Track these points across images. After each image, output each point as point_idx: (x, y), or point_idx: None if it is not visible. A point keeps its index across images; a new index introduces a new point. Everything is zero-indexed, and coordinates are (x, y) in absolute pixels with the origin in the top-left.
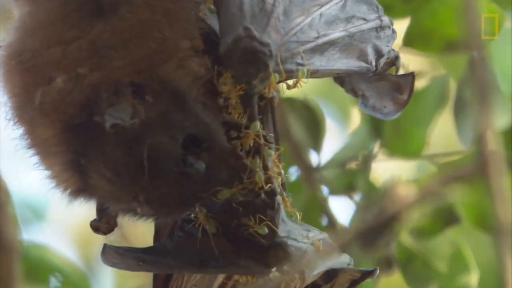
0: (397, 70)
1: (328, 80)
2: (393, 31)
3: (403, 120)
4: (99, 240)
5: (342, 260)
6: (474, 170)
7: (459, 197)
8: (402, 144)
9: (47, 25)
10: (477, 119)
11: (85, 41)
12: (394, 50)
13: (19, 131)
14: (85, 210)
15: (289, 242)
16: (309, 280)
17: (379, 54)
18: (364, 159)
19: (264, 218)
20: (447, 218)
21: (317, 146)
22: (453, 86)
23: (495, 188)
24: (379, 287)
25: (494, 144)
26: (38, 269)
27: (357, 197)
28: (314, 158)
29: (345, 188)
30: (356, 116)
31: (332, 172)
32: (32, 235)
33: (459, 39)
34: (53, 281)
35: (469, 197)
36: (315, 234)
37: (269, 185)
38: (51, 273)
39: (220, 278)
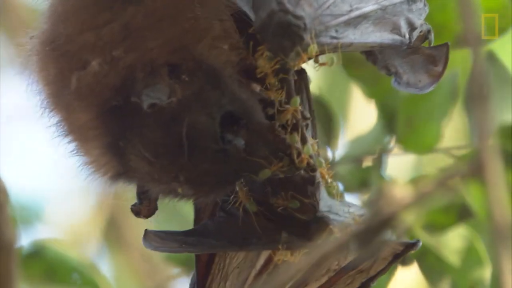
0: (429, 44)
1: (329, 77)
2: (425, 4)
3: (417, 115)
4: (95, 239)
5: (385, 234)
6: (477, 165)
7: (471, 191)
8: (416, 139)
9: (79, 10)
10: (477, 114)
11: (118, 24)
12: (426, 24)
13: (55, 118)
14: (80, 210)
15: (332, 216)
16: (352, 255)
17: (412, 27)
18: (379, 155)
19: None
20: (460, 212)
21: (331, 143)
22: (464, 80)
23: (493, 184)
24: (394, 281)
25: (492, 140)
26: (57, 267)
27: (370, 193)
28: (328, 154)
29: (360, 184)
30: (354, 114)
31: (347, 168)
32: (28, 236)
33: (463, 35)
34: (75, 278)
35: (481, 191)
36: (356, 209)
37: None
38: (72, 271)
39: (263, 258)
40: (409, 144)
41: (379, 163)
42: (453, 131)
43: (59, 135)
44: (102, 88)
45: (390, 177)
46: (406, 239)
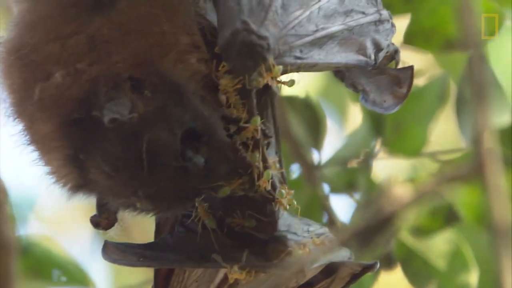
0: (396, 64)
1: (325, 79)
2: (392, 25)
3: (404, 118)
4: (86, 235)
5: (343, 254)
6: (473, 168)
7: (459, 195)
8: (403, 142)
9: (45, 20)
10: (474, 117)
11: (83, 35)
12: (393, 44)
13: (19, 127)
14: (71, 207)
15: (289, 236)
16: (309, 274)
17: (378, 47)
18: (365, 157)
19: (255, 215)
20: (447, 216)
21: (318, 144)
22: (453, 84)
23: (492, 187)
24: (379, 284)
25: (491, 142)
26: (42, 262)
27: (357, 195)
28: (315, 156)
29: (346, 186)
30: (353, 115)
31: (333, 170)
32: (20, 231)
33: (459, 38)
34: (56, 275)
35: (469, 195)
36: (316, 229)
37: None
38: (55, 267)
39: (222, 273)
40: (396, 147)
41: (365, 165)
42: (440, 135)
43: (22, 143)
44: (64, 100)
45: (385, 178)
46: (392, 248)
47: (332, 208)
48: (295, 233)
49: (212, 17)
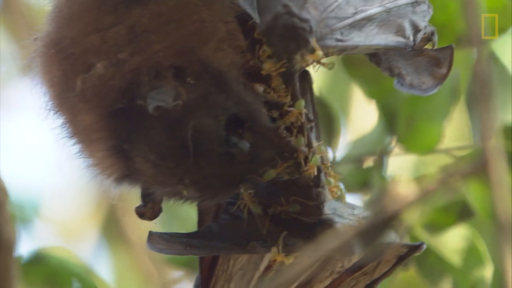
0: (433, 45)
1: (330, 78)
2: (429, 6)
3: (417, 115)
4: (91, 237)
5: (389, 236)
6: (478, 165)
7: (472, 191)
8: (417, 139)
9: (83, 12)
10: (480, 114)
11: (123, 26)
12: (430, 26)
13: (60, 120)
14: (78, 207)
15: (336, 218)
16: (356, 257)
17: (416, 29)
18: (380, 155)
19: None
20: (461, 212)
21: (332, 143)
22: (466, 80)
23: (496, 183)
24: (394, 281)
25: (496, 139)
26: (58, 273)
27: (372, 193)
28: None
29: (361, 185)
30: (357, 114)
31: (348, 169)
32: (26, 234)
33: (466, 35)
34: (75, 286)
35: (482, 191)
36: (360, 211)
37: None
38: (72, 277)
39: (266, 260)
40: (410, 144)
41: (380, 163)
42: (454, 131)
43: (64, 137)
44: (107, 91)
45: (393, 176)
46: (407, 240)
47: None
48: (341, 216)
49: (246, 5)
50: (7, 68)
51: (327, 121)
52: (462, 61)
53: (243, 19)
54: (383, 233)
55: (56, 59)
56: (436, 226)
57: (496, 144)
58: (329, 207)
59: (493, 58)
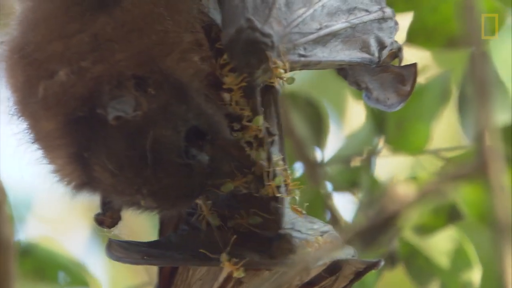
0: (400, 61)
1: (324, 77)
2: (396, 23)
3: (406, 116)
4: (83, 235)
5: (346, 252)
6: (476, 166)
7: (462, 193)
8: (406, 140)
9: (49, 18)
10: (476, 115)
11: (87, 34)
12: (396, 42)
13: (23, 125)
14: (69, 206)
15: (294, 234)
16: (313, 272)
17: (381, 45)
18: (368, 155)
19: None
20: (450, 214)
21: (320, 143)
22: (455, 81)
23: (495, 184)
24: (382, 282)
25: (493, 140)
26: (46, 264)
27: (360, 193)
28: (317, 155)
29: (349, 185)
30: (352, 113)
31: (336, 169)
32: (19, 231)
33: (460, 36)
34: (62, 277)
35: (472, 193)
36: (320, 226)
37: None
38: (59, 269)
39: (226, 271)
40: (399, 145)
41: (368, 164)
42: (443, 132)
43: (26, 142)
44: (68, 98)
45: (388, 177)
46: (397, 242)
47: (335, 207)
48: (299, 231)
49: (215, 15)
50: None
51: (315, 121)
52: (454, 63)
53: (211, 29)
54: (382, 233)
55: (20, 64)
56: (425, 228)
57: (494, 146)
58: (288, 221)
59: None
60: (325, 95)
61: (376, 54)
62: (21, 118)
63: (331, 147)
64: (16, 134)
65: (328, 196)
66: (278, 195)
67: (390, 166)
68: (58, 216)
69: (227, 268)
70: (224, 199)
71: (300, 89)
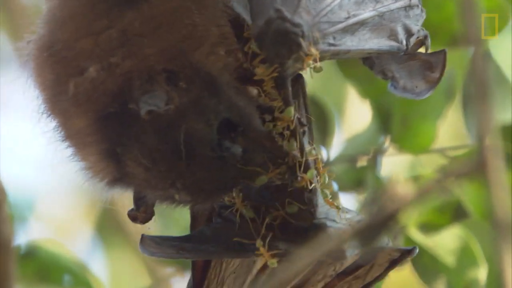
0: (427, 49)
1: (325, 77)
2: (422, 10)
3: (412, 115)
4: (86, 235)
5: (381, 240)
6: (476, 164)
7: (467, 191)
8: (411, 139)
9: (76, 16)
10: (478, 114)
11: (115, 30)
12: (423, 30)
13: (53, 123)
14: (71, 206)
15: (328, 223)
16: (348, 261)
17: (409, 33)
18: (374, 155)
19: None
20: (455, 212)
21: (326, 142)
22: (460, 80)
23: (495, 183)
24: (388, 281)
25: (493, 139)
26: (49, 266)
27: (366, 192)
28: (323, 154)
29: (354, 184)
30: (354, 113)
31: (342, 168)
32: (21, 232)
33: (463, 34)
34: (66, 279)
35: (477, 191)
36: (353, 216)
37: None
38: (64, 271)
39: (259, 264)
40: (404, 144)
41: (374, 163)
42: (448, 131)
43: (56, 140)
44: (99, 95)
45: (389, 175)
46: (402, 240)
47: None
48: (333, 220)
49: (239, 8)
50: (6, 67)
51: (321, 121)
52: (458, 61)
53: (237, 22)
54: (381, 233)
55: (48, 63)
56: (431, 226)
57: (494, 144)
58: (322, 212)
59: (489, 58)
60: (327, 95)
61: (404, 42)
62: (51, 116)
63: (336, 146)
64: (46, 132)
65: (334, 196)
66: (312, 186)
67: (395, 166)
68: (61, 217)
69: (262, 253)
70: (257, 190)
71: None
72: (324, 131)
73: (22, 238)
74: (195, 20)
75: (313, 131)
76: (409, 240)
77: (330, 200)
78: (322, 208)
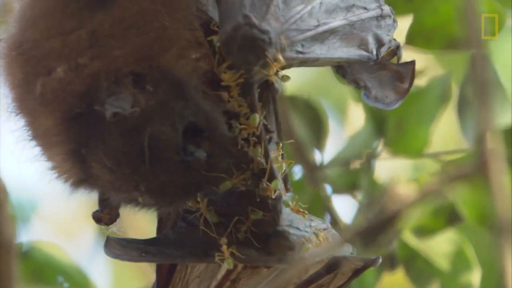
0: (398, 59)
1: (325, 78)
2: (394, 21)
3: (406, 119)
4: (88, 236)
5: (345, 249)
6: (475, 168)
7: (461, 195)
8: (405, 142)
9: (47, 15)
10: (477, 117)
11: (85, 31)
12: (395, 40)
13: (21, 122)
14: (74, 207)
15: (291, 230)
16: (311, 269)
17: (380, 43)
18: (367, 158)
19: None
20: (449, 216)
21: (320, 145)
22: (455, 84)
23: (495, 186)
24: (382, 285)
25: (494, 142)
26: (45, 268)
27: (360, 196)
28: (317, 157)
29: (348, 187)
30: (353, 115)
31: (335, 171)
32: (24, 233)
33: (461, 37)
34: (60, 281)
35: (471, 195)
36: (318, 224)
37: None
38: (58, 273)
39: (224, 269)
40: (398, 148)
41: (367, 166)
42: (442, 135)
43: (24, 139)
44: (66, 95)
45: (387, 178)
46: (394, 248)
47: (335, 209)
48: (297, 228)
49: (214, 13)
50: None
51: (315, 124)
52: (453, 65)
53: (208, 26)
54: (381, 234)
55: (18, 61)
56: (425, 230)
57: (494, 147)
58: (286, 219)
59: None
60: (325, 97)
61: (375, 52)
62: (19, 115)
63: (332, 149)
64: (14, 131)
65: (327, 199)
66: (276, 194)
67: (389, 169)
68: (63, 217)
69: (224, 253)
70: (222, 196)
71: (299, 92)
72: (318, 134)
73: (24, 238)
74: (164, 23)
75: (307, 134)
76: (403, 244)
77: (296, 207)
78: (286, 216)
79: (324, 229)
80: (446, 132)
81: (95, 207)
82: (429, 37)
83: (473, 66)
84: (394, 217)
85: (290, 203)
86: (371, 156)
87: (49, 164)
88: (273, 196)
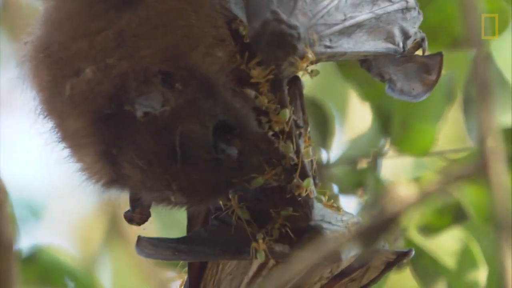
0: (423, 51)
1: (327, 78)
2: (419, 13)
3: (412, 117)
4: (97, 237)
5: (378, 242)
6: (477, 167)
7: (467, 193)
8: (411, 141)
9: (73, 17)
10: (479, 116)
11: (112, 31)
12: (420, 32)
13: (49, 125)
14: (82, 208)
15: (324, 225)
16: (344, 263)
17: (406, 35)
18: (374, 157)
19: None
20: (455, 214)
21: (326, 144)
22: (461, 82)
23: (495, 185)
24: (388, 283)
25: (494, 141)
26: (51, 271)
27: (366, 194)
28: (323, 156)
29: (355, 186)
30: (355, 115)
31: (342, 170)
32: (29, 234)
33: (464, 36)
34: (68, 284)
35: (477, 193)
36: (349, 218)
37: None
38: (65, 276)
39: (255, 266)
40: (404, 146)
41: (374, 165)
42: (448, 133)
43: (53, 141)
44: (95, 96)
45: (391, 177)
46: (400, 246)
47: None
48: (329, 222)
49: (236, 10)
50: (6, 67)
51: (321, 122)
52: (459, 63)
53: (233, 24)
54: (382, 235)
55: (45, 64)
56: (431, 228)
57: (495, 146)
58: (318, 214)
59: (491, 60)
60: (328, 97)
61: (401, 44)
62: (47, 117)
63: (336, 148)
64: (42, 133)
65: (334, 198)
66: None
67: (396, 168)
68: (67, 219)
69: (260, 246)
70: (252, 192)
71: (305, 91)
72: (324, 133)
73: (28, 240)
74: (191, 21)
75: (313, 133)
76: (409, 242)
77: (328, 202)
78: (318, 211)
79: (356, 223)
80: (452, 131)
81: (102, 209)
82: (434, 35)
83: (474, 65)
84: (397, 216)
85: (322, 198)
86: (378, 155)
87: (79, 165)
88: (304, 194)
